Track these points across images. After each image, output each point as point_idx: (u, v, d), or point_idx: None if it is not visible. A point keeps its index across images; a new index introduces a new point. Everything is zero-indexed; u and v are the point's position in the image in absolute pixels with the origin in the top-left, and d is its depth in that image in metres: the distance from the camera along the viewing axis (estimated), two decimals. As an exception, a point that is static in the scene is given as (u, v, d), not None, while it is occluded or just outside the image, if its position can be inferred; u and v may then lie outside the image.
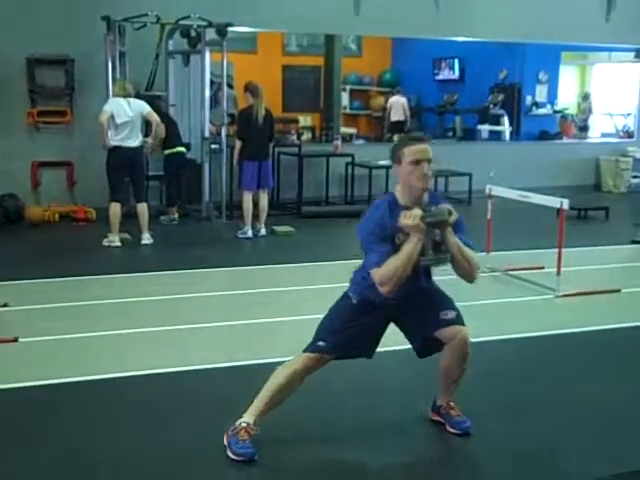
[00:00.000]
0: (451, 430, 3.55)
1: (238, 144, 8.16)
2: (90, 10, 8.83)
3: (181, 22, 9.16)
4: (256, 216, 8.26)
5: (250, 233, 8.19)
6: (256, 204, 8.24)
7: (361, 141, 12.46)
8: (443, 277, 3.53)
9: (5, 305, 5.49)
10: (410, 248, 3.19)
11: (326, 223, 9.15)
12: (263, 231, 8.32)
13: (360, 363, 3.59)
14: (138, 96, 8.07)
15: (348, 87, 13.61)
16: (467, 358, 3.43)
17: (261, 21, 10.06)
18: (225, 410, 3.56)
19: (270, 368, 3.48)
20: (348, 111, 13.68)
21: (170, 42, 9.53)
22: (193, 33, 9.23)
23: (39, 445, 3.44)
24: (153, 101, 8.51)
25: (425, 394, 3.75)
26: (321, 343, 3.36)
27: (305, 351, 3.38)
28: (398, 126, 12.54)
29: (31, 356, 4.63)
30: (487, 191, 6.82)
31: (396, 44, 13.78)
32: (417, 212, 3.19)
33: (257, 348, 4.75)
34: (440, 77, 13.68)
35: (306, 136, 11.85)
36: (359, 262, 3.43)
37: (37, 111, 9.27)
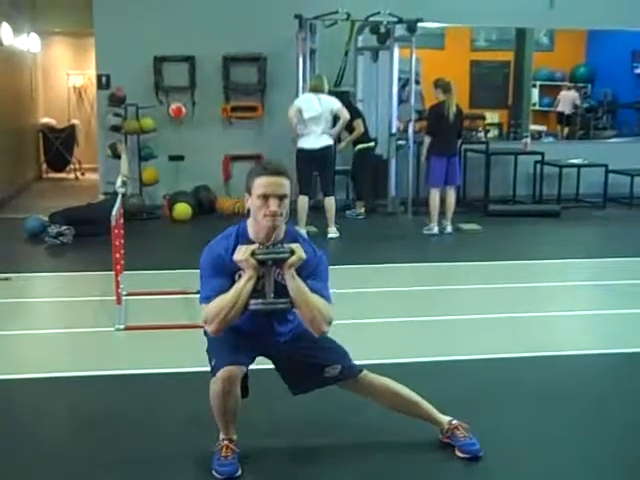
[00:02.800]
0: (459, 454, 3.18)
1: (427, 139, 8.09)
2: (283, 9, 9.03)
3: (371, 19, 9.20)
4: (442, 213, 8.16)
5: (436, 230, 8.10)
6: (443, 201, 8.14)
7: (550, 139, 12.03)
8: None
9: (198, 292, 5.68)
10: (239, 286, 2.86)
11: (513, 222, 8.89)
12: (449, 228, 8.20)
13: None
14: (329, 92, 8.16)
15: (538, 83, 13.16)
16: (377, 387, 3.18)
17: (451, 16, 9.91)
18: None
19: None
20: (537, 108, 13.23)
21: (359, 38, 9.60)
22: (382, 29, 9.24)
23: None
24: (345, 97, 8.60)
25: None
26: (213, 362, 3.03)
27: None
28: (564, 119, 12.23)
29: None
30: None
31: (591, 37, 13.16)
32: (250, 247, 2.87)
33: (438, 344, 4.67)
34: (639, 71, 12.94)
35: (493, 133, 11.59)
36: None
37: (230, 106, 9.62)
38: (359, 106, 9.41)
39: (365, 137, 8.87)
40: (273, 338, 3.11)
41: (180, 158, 9.58)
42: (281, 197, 2.90)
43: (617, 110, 13.03)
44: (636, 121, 12.61)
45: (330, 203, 7.95)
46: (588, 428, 3.55)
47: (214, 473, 3.07)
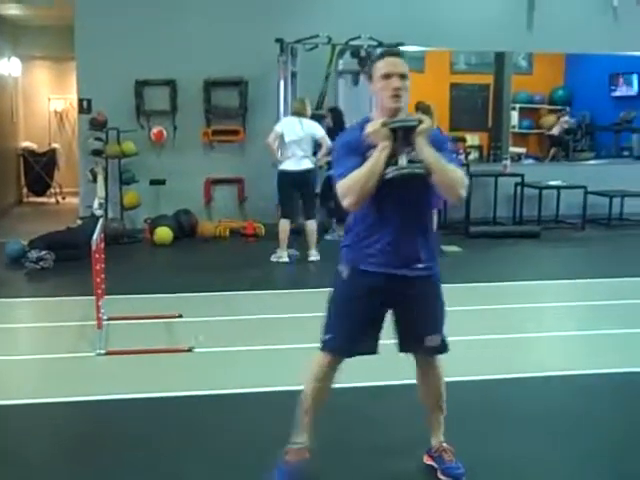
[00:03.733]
0: (442, 478, 3.21)
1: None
2: (264, 33, 9.11)
3: (352, 42, 9.28)
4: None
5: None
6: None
7: (530, 160, 12.13)
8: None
9: (180, 316, 5.69)
10: (375, 156, 2.91)
11: (494, 243, 8.95)
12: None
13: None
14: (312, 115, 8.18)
15: (517, 105, 13.29)
16: (438, 388, 3.27)
17: (430, 40, 10.02)
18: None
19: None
20: (517, 130, 13.35)
21: (340, 62, 9.67)
22: (363, 53, 9.32)
23: (216, 451, 3.52)
24: (339, 116, 8.70)
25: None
26: (327, 336, 3.15)
27: (320, 350, 3.19)
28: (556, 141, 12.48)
29: (205, 366, 4.76)
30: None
31: (569, 60, 13.32)
32: (380, 120, 2.95)
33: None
34: (617, 93, 13.09)
35: (473, 155, 11.67)
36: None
37: (212, 130, 9.65)
38: (340, 129, 9.48)
39: None
40: (413, 263, 3.07)
41: (161, 182, 9.58)
42: (402, 75, 3.02)
43: (595, 132, 13.16)
44: (614, 143, 12.74)
45: (312, 226, 7.97)
46: (573, 448, 3.56)
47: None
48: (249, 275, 7.27)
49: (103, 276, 5.43)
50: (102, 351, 4.84)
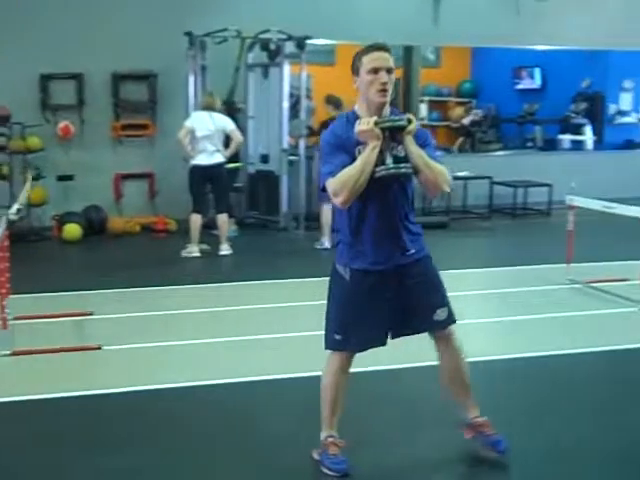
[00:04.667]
0: (486, 450, 3.40)
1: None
2: (173, 26, 9.03)
3: (261, 36, 9.29)
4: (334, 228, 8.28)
5: (327, 244, 8.20)
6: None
7: (439, 152, 12.37)
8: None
9: (90, 314, 5.62)
10: (365, 155, 3.03)
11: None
12: (341, 242, 8.30)
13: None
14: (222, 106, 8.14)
15: (426, 98, 13.53)
16: (459, 354, 3.39)
17: (339, 33, 10.10)
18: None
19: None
20: (426, 122, 13.59)
21: (250, 55, 9.66)
22: (272, 46, 9.34)
23: (123, 449, 3.51)
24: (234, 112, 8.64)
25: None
26: (337, 336, 3.27)
27: (328, 348, 3.32)
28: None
29: (114, 364, 4.73)
30: (568, 202, 6.68)
31: (475, 54, 13.65)
32: (372, 118, 3.05)
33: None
34: (520, 86, 13.48)
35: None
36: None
37: (121, 125, 9.52)
38: (250, 123, 9.49)
39: (233, 157, 8.72)
40: (401, 253, 3.20)
41: (69, 178, 9.39)
42: (389, 70, 3.08)
43: (500, 124, 13.52)
44: (518, 135, 13.11)
45: (223, 220, 7.96)
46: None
47: (327, 471, 3.24)
48: (160, 271, 7.22)
49: (8, 275, 5.31)
50: (7, 351, 4.74)
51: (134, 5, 9.45)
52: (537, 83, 13.23)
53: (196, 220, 7.82)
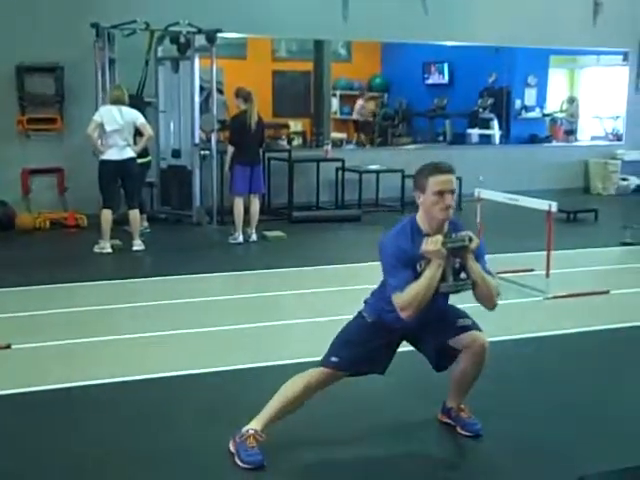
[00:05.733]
0: (462, 432, 3.62)
1: (230, 149, 8.18)
2: (79, 17, 8.87)
3: (170, 29, 9.19)
4: (247, 221, 8.28)
5: (241, 238, 8.21)
6: (247, 209, 8.26)
7: (351, 146, 12.49)
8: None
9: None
10: (431, 273, 3.24)
11: (317, 228, 9.18)
12: (254, 236, 8.33)
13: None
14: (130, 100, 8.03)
15: (338, 92, 13.61)
16: (484, 363, 3.49)
17: (250, 27, 10.10)
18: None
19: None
20: (338, 116, 13.69)
21: (159, 48, 9.55)
22: (182, 39, 9.25)
23: (39, 447, 3.45)
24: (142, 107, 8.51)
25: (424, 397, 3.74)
26: (334, 359, 3.38)
27: (321, 365, 3.41)
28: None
29: (24, 363, 4.64)
30: (476, 195, 6.85)
31: (386, 49, 13.79)
32: (439, 238, 3.25)
33: (260, 351, 4.77)
34: (430, 81, 13.69)
35: (297, 141, 11.87)
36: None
37: (27, 118, 9.28)
38: (161, 117, 9.39)
39: (143, 152, 8.59)
40: (431, 312, 3.34)
41: (-27, 173, 9.12)
42: (453, 192, 3.32)
43: (411, 118, 13.72)
44: (428, 129, 13.34)
45: (135, 215, 7.87)
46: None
47: (240, 463, 3.25)
48: (70, 267, 7.09)
49: None
50: None
51: (39, -6, 9.21)
52: (446, 78, 13.47)
53: (107, 216, 7.71)
